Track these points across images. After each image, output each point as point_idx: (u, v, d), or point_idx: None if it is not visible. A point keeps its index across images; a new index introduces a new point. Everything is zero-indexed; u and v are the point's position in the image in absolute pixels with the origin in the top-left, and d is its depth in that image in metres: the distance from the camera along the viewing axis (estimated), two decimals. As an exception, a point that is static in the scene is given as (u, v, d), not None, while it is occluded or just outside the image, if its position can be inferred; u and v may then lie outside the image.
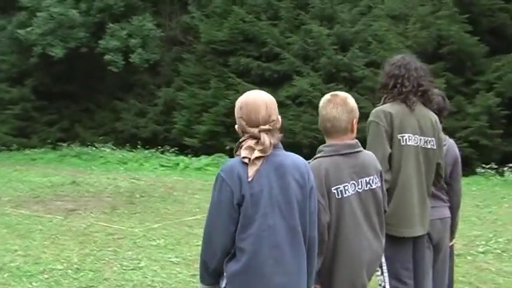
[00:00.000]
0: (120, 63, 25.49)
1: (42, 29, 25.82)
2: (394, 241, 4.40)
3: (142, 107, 27.01)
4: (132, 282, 7.29)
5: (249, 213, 3.44)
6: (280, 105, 20.81)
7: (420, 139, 4.67)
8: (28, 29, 26.08)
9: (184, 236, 9.66)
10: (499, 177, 16.75)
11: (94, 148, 25.00)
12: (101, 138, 26.47)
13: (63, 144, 26.30)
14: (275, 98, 16.64)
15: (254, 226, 3.42)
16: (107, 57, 25.47)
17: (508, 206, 12.94)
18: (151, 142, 25.18)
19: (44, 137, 27.90)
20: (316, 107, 18.82)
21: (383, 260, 4.41)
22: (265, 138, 3.52)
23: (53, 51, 25.68)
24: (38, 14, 26.14)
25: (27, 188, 15.54)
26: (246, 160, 3.45)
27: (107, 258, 8.27)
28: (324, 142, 4.23)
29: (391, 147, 4.58)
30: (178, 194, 14.58)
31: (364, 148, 4.25)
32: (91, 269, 7.71)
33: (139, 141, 24.98)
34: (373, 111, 4.72)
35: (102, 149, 24.60)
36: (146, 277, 7.48)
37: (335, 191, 3.93)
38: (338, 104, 4.09)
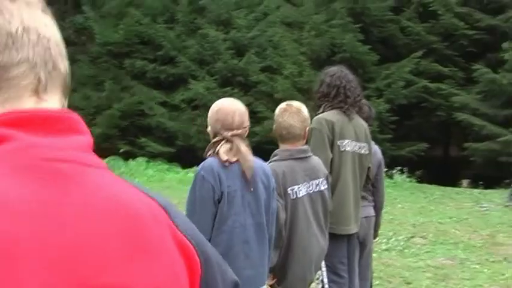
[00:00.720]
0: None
1: None
2: (332, 238, 4.79)
3: (32, 109, 26.54)
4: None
5: (224, 210, 3.74)
6: (175, 108, 21.19)
7: (356, 145, 5.14)
8: None
9: None
10: (389, 180, 17.60)
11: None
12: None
13: None
14: (170, 101, 17.23)
15: (228, 223, 3.73)
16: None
17: (401, 207, 13.72)
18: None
19: None
20: (212, 110, 18.98)
21: None
22: (240, 143, 3.77)
23: None
24: None
25: None
26: (227, 163, 3.71)
27: None
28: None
29: (332, 152, 4.97)
30: None
31: None
32: None
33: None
34: (315, 118, 5.10)
35: None
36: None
37: (290, 192, 4.33)
38: (293, 113, 4.51)
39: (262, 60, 22.68)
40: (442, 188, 17.53)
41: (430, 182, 18.41)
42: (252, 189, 3.84)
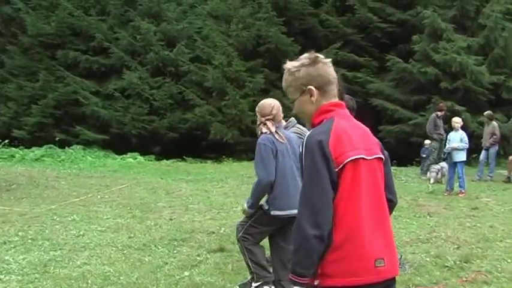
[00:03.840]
0: None
1: None
2: None
3: (-38, 98, 28.05)
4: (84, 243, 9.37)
5: (279, 159, 5.92)
6: (109, 97, 23.51)
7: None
8: None
9: (87, 212, 11.62)
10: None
11: None
12: None
13: None
14: (103, 91, 20.35)
15: (280, 165, 5.94)
16: None
17: None
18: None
19: None
20: (144, 99, 22.35)
21: None
22: (270, 123, 6.00)
23: None
24: None
25: None
26: (269, 133, 5.94)
27: (46, 231, 9.76)
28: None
29: None
30: (42, 181, 16.02)
31: None
32: (46, 238, 9.11)
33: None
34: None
35: None
36: (91, 239, 9.60)
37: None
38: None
39: (191, 51, 25.15)
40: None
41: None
42: (288, 146, 6.08)
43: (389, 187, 3.19)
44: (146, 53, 25.26)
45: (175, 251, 8.08)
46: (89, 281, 6.64)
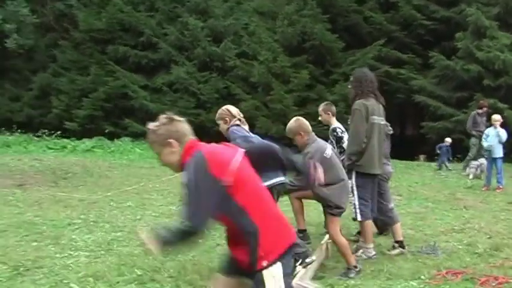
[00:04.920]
0: (-4, 48, 27.63)
1: None
2: (364, 176, 7.45)
3: (16, 91, 29.32)
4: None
5: None
6: (157, 91, 24.42)
7: (380, 119, 7.73)
8: None
9: (141, 199, 12.34)
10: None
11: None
12: (-26, 122, 28.32)
13: None
14: (151, 85, 21.49)
15: None
16: (-19, 41, 27.53)
17: None
18: (26, 126, 27.44)
19: None
20: (191, 93, 23.26)
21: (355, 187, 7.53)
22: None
23: None
24: None
25: None
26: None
27: (105, 215, 10.56)
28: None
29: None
30: (96, 170, 16.94)
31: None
32: (106, 221, 9.93)
33: (14, 125, 27.07)
34: (357, 103, 7.39)
35: None
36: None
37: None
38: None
39: (238, 46, 25.92)
40: (403, 161, 20.71)
41: (391, 157, 21.53)
42: None
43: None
44: (193, 48, 26.11)
45: (224, 235, 8.84)
46: (150, 258, 7.43)
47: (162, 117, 3.75)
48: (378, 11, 25.30)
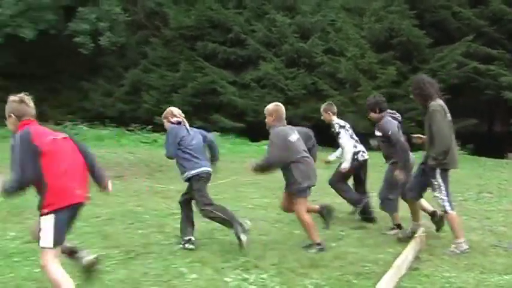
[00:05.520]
0: (90, 46, 28.77)
1: (12, 10, 28.56)
2: (443, 173, 7.99)
3: (109, 87, 30.57)
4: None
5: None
6: (245, 87, 25.13)
7: (449, 115, 8.27)
8: (-2, 11, 28.80)
9: (236, 192, 13.09)
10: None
11: (67, 126, 27.91)
12: (69, 116, 29.53)
13: (36, 122, 29.10)
14: (239, 81, 22.35)
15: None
16: (77, 39, 28.72)
17: (463, 172, 16.12)
18: (118, 120, 28.55)
19: (8, 115, 30.83)
20: (279, 89, 23.92)
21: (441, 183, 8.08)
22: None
23: (23, 33, 28.52)
24: (6, -5, 28.94)
25: None
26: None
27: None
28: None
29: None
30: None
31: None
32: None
33: (107, 120, 28.21)
34: (434, 104, 7.93)
35: (79, 126, 27.21)
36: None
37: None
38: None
39: (325, 43, 26.36)
40: (492, 159, 20.74)
41: (479, 155, 21.60)
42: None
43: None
44: (281, 44, 26.70)
45: (320, 226, 9.33)
46: (251, 246, 7.98)
47: (17, 96, 5.42)
48: (466, 6, 25.06)
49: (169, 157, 8.34)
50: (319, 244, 7.89)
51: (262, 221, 9.87)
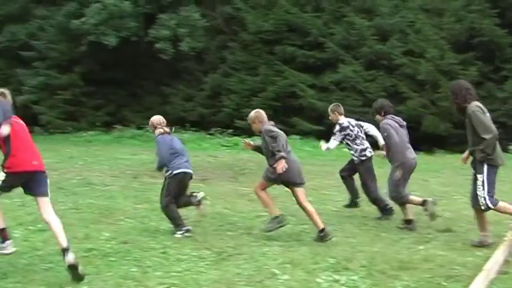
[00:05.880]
0: (170, 51, 29.40)
1: (96, 19, 29.59)
2: (490, 169, 8.34)
3: (189, 92, 31.21)
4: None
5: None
6: (324, 90, 25.39)
7: (488, 114, 8.61)
8: (83, 19, 29.80)
9: (319, 194, 13.43)
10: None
11: (148, 130, 28.67)
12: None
13: (118, 127, 30.26)
14: (318, 84, 22.87)
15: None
16: (158, 45, 29.42)
17: None
18: (198, 124, 29.11)
19: (92, 120, 31.97)
20: (359, 92, 24.13)
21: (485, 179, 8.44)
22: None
23: (107, 40, 29.45)
24: (91, 5, 29.89)
25: (123, 164, 18.94)
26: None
27: (289, 209, 11.11)
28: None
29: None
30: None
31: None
32: (291, 215, 10.66)
33: (187, 124, 28.57)
34: (473, 105, 8.39)
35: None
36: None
37: None
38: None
39: (404, 44, 26.32)
40: None
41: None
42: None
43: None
44: (360, 47, 26.81)
45: (405, 229, 9.54)
46: (339, 248, 8.28)
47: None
48: (550, 4, 24.84)
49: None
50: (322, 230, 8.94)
51: (348, 223, 10.17)
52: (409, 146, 9.98)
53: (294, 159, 9.13)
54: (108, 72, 31.91)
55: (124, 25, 29.86)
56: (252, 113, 9.44)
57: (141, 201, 12.62)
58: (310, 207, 9.12)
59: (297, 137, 25.60)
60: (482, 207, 8.43)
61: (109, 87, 32.70)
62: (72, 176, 15.76)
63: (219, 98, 29.80)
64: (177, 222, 9.33)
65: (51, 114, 32.34)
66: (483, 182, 8.35)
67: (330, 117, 11.51)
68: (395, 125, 9.84)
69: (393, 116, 10.05)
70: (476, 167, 8.43)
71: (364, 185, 11.02)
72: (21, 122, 7.34)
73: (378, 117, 10.14)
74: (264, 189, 9.36)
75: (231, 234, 9.41)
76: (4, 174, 7.00)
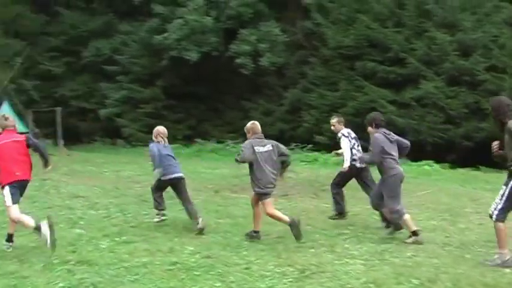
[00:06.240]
0: (251, 66, 29.87)
1: (178, 34, 30.38)
2: None
3: (269, 106, 31.57)
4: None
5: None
6: (405, 106, 25.18)
7: None
8: (165, 35, 30.65)
9: (409, 209, 13.58)
10: None
11: (228, 144, 29.21)
12: (230, 135, 30.83)
13: (198, 140, 30.79)
14: (399, 99, 22.88)
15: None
16: (238, 60, 29.93)
17: None
18: (278, 139, 29.13)
19: (173, 133, 32.49)
20: (440, 108, 23.86)
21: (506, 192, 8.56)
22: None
23: (188, 55, 30.19)
24: (173, 20, 30.68)
25: (204, 178, 19.45)
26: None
27: (372, 227, 11.70)
28: None
29: None
30: (350, 184, 18.16)
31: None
32: (374, 233, 11.00)
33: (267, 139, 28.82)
34: (510, 122, 8.36)
35: (240, 144, 27.97)
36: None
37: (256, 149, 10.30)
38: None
39: (487, 60, 25.97)
40: None
41: None
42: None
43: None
44: (442, 62, 26.56)
45: (491, 251, 9.49)
46: (423, 269, 8.34)
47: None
48: None
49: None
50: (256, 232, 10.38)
51: (431, 243, 10.19)
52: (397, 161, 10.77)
53: None
54: (189, 86, 32.60)
55: (205, 40, 30.51)
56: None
57: (222, 215, 13.04)
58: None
59: (377, 153, 25.47)
60: (490, 213, 8.81)
61: (190, 102, 33.35)
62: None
63: (299, 113, 30.05)
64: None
65: (133, 127, 33.29)
66: (503, 193, 8.58)
67: (333, 127, 12.95)
68: (384, 139, 10.56)
69: (385, 131, 10.83)
70: (508, 179, 8.57)
71: (336, 185, 12.44)
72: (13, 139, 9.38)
73: (369, 129, 10.99)
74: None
75: (313, 252, 9.57)
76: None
